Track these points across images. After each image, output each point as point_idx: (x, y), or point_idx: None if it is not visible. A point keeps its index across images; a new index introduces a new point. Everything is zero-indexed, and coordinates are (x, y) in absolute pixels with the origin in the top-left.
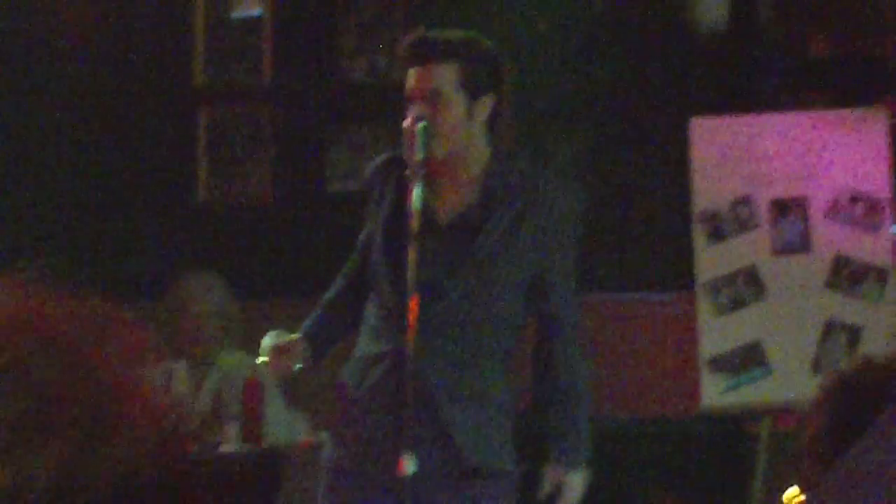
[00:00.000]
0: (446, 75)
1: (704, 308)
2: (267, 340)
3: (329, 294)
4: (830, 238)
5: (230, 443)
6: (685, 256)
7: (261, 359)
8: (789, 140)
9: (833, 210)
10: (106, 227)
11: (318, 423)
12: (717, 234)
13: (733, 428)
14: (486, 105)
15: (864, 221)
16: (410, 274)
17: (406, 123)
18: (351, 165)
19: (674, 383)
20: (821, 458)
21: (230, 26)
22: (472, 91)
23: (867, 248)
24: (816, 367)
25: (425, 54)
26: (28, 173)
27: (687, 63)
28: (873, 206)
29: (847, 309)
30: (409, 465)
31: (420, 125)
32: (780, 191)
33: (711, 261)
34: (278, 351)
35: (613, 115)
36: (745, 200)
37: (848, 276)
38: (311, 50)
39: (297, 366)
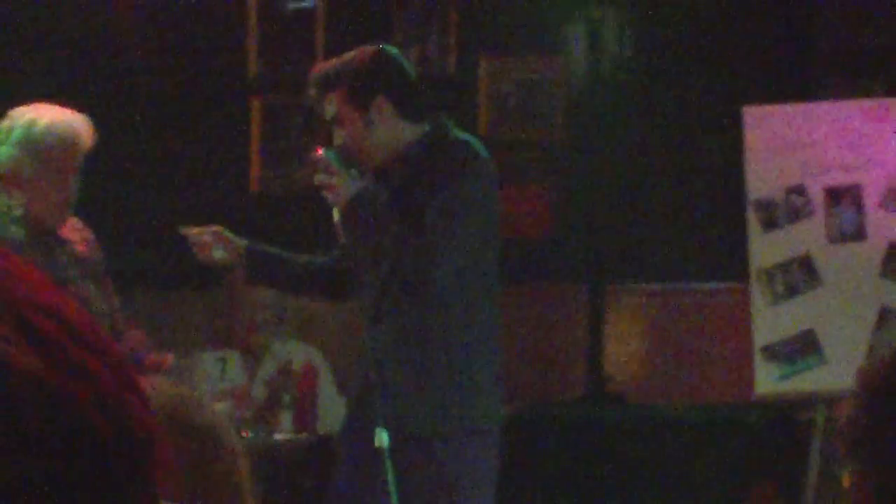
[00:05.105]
0: (336, 101)
1: (759, 296)
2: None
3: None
4: (885, 226)
5: (284, 431)
6: (740, 245)
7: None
8: (842, 128)
9: (887, 198)
10: (161, 215)
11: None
12: (771, 223)
13: (788, 416)
14: (378, 107)
15: None
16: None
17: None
18: None
19: (729, 371)
20: (854, 445)
21: (284, 17)
22: (361, 103)
23: None
24: (871, 355)
25: (318, 89)
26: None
27: (740, 51)
28: None
29: None
30: (381, 438)
31: (328, 153)
32: (834, 179)
33: (766, 249)
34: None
35: (668, 104)
36: (798, 189)
37: None
38: (364, 40)
39: (219, 254)
